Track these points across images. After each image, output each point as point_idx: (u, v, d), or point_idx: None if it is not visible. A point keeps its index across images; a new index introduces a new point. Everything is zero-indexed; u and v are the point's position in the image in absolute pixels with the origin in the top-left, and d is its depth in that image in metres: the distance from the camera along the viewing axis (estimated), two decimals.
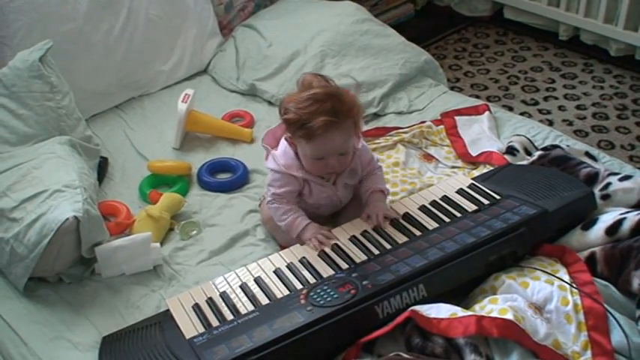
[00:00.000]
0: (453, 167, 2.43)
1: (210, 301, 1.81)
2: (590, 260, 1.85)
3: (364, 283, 1.74)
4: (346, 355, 1.66)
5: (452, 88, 3.20)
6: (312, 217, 2.07)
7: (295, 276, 1.86)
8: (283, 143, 2.06)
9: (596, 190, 2.05)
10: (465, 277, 1.83)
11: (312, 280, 1.83)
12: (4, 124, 2.30)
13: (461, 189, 2.11)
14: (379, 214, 2.02)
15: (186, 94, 2.63)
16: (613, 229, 1.87)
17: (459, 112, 2.68)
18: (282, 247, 2.08)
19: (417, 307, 1.68)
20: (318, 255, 1.93)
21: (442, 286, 1.78)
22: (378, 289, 1.71)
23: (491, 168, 2.30)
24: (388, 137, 2.58)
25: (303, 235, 2.01)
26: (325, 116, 1.87)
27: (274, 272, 1.89)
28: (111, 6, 2.82)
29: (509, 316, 1.61)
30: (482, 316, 1.62)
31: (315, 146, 1.93)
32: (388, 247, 1.91)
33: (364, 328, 1.67)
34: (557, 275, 1.78)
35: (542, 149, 2.30)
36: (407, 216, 2.03)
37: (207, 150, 2.61)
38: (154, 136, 2.69)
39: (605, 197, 2.04)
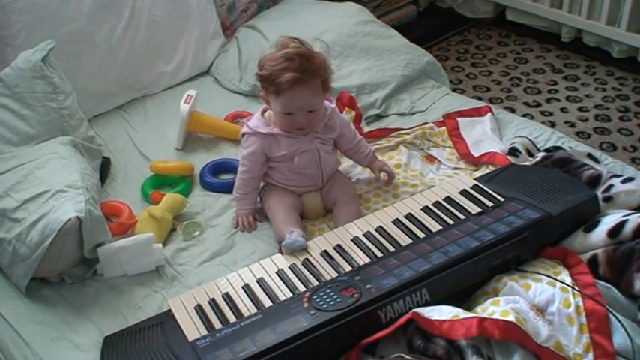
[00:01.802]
0: (455, 169, 2.43)
1: (213, 302, 1.81)
2: (592, 262, 1.85)
3: (368, 287, 1.74)
4: (348, 357, 1.66)
5: (454, 90, 3.20)
6: (300, 189, 2.24)
7: (298, 277, 1.86)
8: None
9: (599, 193, 2.05)
10: (468, 281, 1.83)
11: (314, 282, 1.83)
12: (7, 124, 2.30)
13: (464, 190, 2.11)
14: (388, 165, 2.35)
15: (188, 95, 2.63)
16: (615, 231, 1.87)
17: (461, 113, 2.68)
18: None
19: (418, 309, 1.68)
20: (321, 255, 1.93)
21: (445, 291, 1.77)
22: (381, 294, 1.71)
23: (494, 169, 2.30)
24: (390, 138, 2.58)
25: (238, 210, 2.25)
26: (293, 72, 2.04)
27: (277, 273, 1.89)
28: (114, 6, 2.82)
29: (510, 317, 1.61)
30: (484, 318, 1.62)
31: (283, 101, 2.09)
32: (391, 249, 1.91)
33: (367, 332, 1.66)
34: (558, 277, 1.78)
35: (545, 151, 2.30)
36: (410, 217, 2.03)
37: (210, 151, 2.61)
38: (156, 136, 2.69)
39: (608, 199, 2.04)
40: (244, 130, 2.22)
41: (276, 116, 2.16)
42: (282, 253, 1.99)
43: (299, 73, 2.04)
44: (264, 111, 2.23)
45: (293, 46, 2.10)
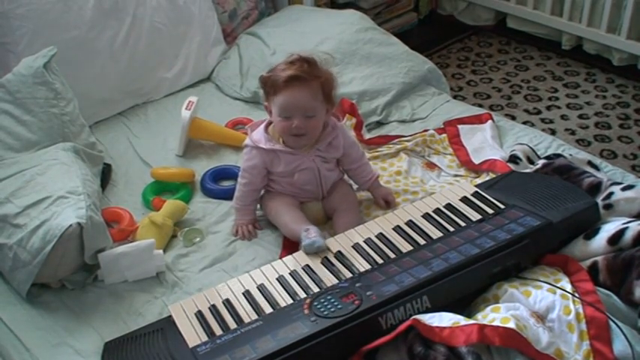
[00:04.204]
0: (456, 175, 2.43)
1: (214, 309, 1.81)
2: (593, 269, 1.85)
3: (368, 293, 1.73)
4: None
5: (455, 97, 3.20)
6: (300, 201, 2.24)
7: (298, 284, 1.86)
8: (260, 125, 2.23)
9: (599, 200, 2.05)
10: (468, 288, 1.82)
11: (315, 289, 1.83)
12: (8, 130, 2.31)
13: (465, 197, 2.11)
14: (392, 195, 2.28)
15: (189, 102, 2.63)
16: (615, 238, 1.87)
17: (462, 120, 2.69)
18: (285, 240, 2.15)
19: (419, 316, 1.68)
20: (322, 263, 1.93)
21: (446, 298, 1.77)
22: (382, 301, 1.71)
23: (494, 176, 2.31)
24: (391, 145, 2.58)
25: (237, 220, 2.24)
26: (292, 71, 2.06)
27: (277, 280, 1.89)
28: (115, 13, 2.83)
29: (511, 324, 1.61)
30: (485, 325, 1.62)
31: (280, 101, 2.08)
32: (392, 256, 1.91)
33: (367, 339, 1.66)
34: (559, 285, 1.78)
35: (546, 158, 2.30)
36: (410, 224, 2.03)
37: (211, 157, 2.62)
38: (157, 143, 2.70)
39: (608, 207, 2.04)
40: (247, 142, 2.21)
41: (275, 122, 2.14)
42: (284, 257, 2.00)
43: (297, 72, 2.05)
44: (268, 125, 2.21)
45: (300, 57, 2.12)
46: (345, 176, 2.36)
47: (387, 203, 2.27)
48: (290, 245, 2.12)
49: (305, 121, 2.09)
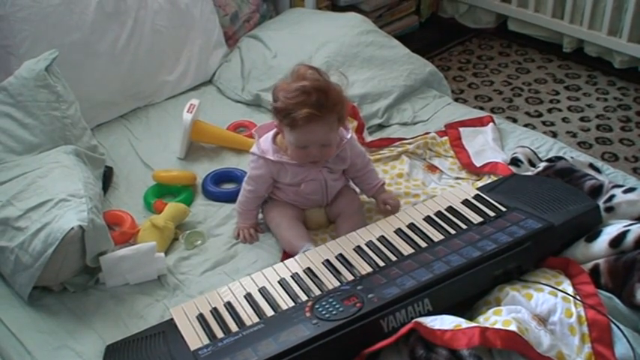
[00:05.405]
0: (457, 178, 2.43)
1: (215, 312, 1.81)
2: (594, 272, 1.85)
3: (370, 296, 1.73)
4: None
5: (456, 100, 3.21)
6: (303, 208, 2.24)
7: (300, 287, 1.86)
8: (269, 132, 2.20)
9: (600, 203, 2.05)
10: (470, 291, 1.82)
11: (317, 292, 1.83)
12: (10, 133, 2.31)
13: (466, 199, 2.11)
14: (394, 199, 2.25)
15: (191, 104, 2.63)
16: (617, 241, 1.87)
17: (463, 123, 2.69)
18: (284, 252, 2.14)
19: (420, 319, 1.67)
20: (323, 264, 1.93)
21: (447, 301, 1.77)
22: (383, 303, 1.70)
23: (496, 179, 2.31)
24: (392, 148, 2.58)
25: (239, 223, 2.24)
26: (309, 109, 1.98)
27: (279, 282, 1.89)
28: (117, 16, 2.83)
29: (512, 327, 1.61)
30: (486, 328, 1.62)
31: (297, 135, 2.05)
32: (393, 258, 1.91)
33: (369, 341, 1.65)
34: (560, 287, 1.78)
35: (547, 160, 2.30)
36: (412, 226, 2.03)
37: (212, 160, 2.62)
38: (159, 145, 2.70)
39: (609, 209, 2.04)
40: (254, 149, 2.19)
41: (289, 147, 2.11)
42: (285, 260, 2.00)
43: (315, 110, 1.98)
44: (276, 134, 2.18)
45: (310, 77, 2.04)
46: (351, 182, 2.35)
47: (392, 208, 2.25)
48: None
49: (320, 149, 2.08)
